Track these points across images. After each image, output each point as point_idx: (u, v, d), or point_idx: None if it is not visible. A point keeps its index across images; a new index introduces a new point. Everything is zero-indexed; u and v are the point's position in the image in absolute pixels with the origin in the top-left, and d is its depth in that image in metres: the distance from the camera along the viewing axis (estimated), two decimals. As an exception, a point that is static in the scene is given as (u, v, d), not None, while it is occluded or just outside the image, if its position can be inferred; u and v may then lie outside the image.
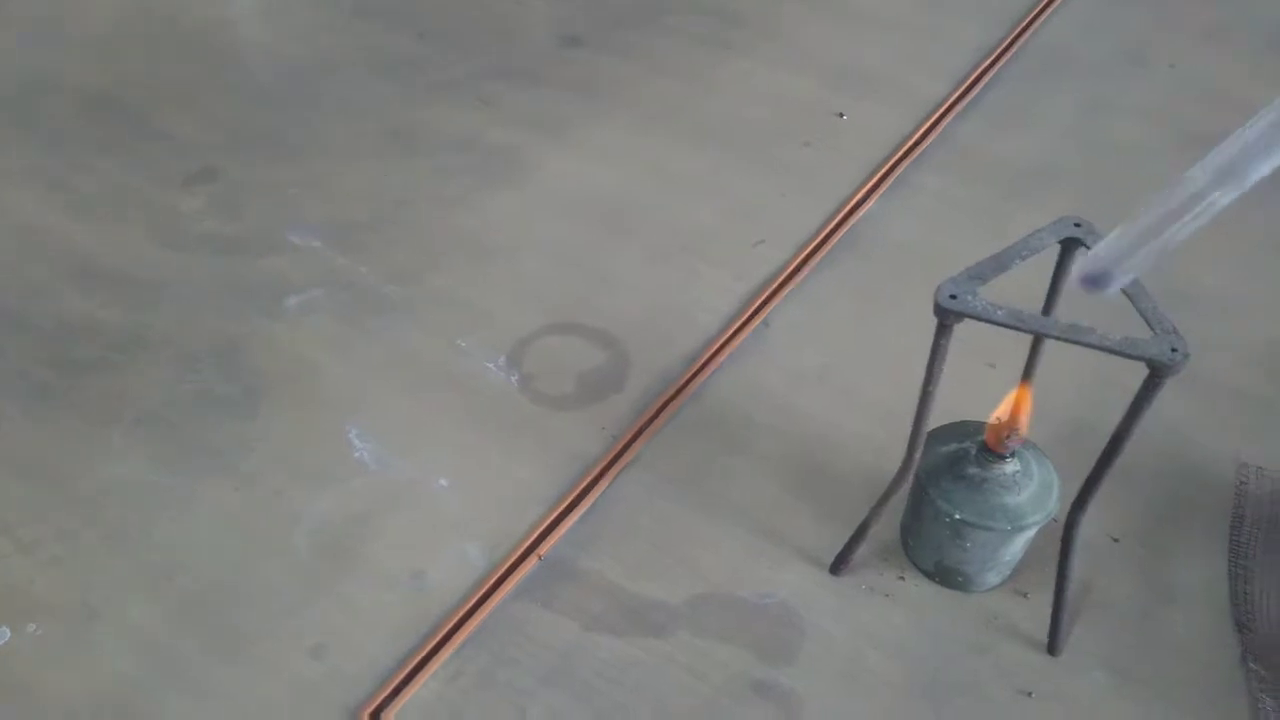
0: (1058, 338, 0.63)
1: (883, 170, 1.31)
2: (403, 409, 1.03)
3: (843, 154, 1.35)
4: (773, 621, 0.85)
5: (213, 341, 1.10)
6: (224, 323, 1.12)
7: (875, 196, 1.27)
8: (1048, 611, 0.82)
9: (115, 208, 1.28)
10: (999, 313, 0.65)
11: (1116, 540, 0.89)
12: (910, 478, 0.79)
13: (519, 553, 0.90)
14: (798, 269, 1.17)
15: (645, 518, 0.93)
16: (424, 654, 0.83)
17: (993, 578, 0.85)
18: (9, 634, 0.86)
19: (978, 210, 1.26)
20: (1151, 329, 0.63)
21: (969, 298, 0.65)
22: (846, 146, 1.36)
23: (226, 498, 0.96)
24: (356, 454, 0.99)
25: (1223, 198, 0.50)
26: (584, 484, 0.95)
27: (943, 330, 0.67)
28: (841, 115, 1.41)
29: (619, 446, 0.99)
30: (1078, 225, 0.70)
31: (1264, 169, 0.48)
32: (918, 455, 0.76)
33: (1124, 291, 0.63)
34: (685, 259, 1.20)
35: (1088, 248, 0.69)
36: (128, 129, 1.40)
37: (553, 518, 0.93)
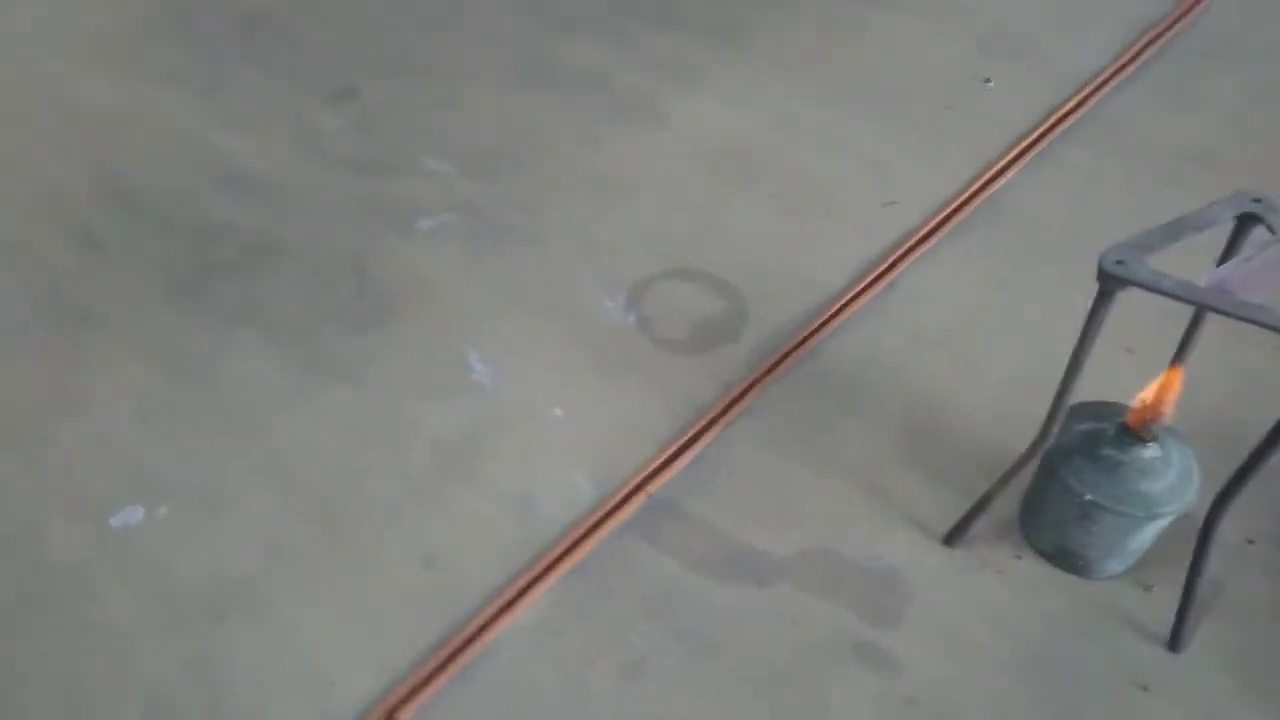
0: (1229, 313, 0.60)
1: (1027, 140, 1.25)
2: (522, 337, 1.05)
3: (986, 120, 1.29)
4: (878, 584, 0.84)
5: (345, 256, 1.13)
6: (357, 239, 1.15)
7: (1017, 167, 1.22)
8: (1171, 606, 0.79)
9: (261, 119, 1.32)
10: (1167, 282, 0.61)
11: (1251, 542, 0.85)
12: (1042, 451, 0.76)
13: (628, 489, 0.90)
14: (930, 234, 1.14)
15: (754, 468, 0.92)
16: (531, 577, 0.85)
17: (1115, 565, 0.82)
18: (142, 514, 0.91)
19: (1123, 189, 1.19)
20: (1337, 316, 0.59)
21: (1135, 265, 0.62)
22: (991, 113, 1.31)
23: (350, 404, 0.99)
24: (475, 375, 1.01)
25: None
26: (696, 429, 0.95)
27: (1104, 297, 0.64)
28: (988, 81, 1.36)
29: (733, 395, 0.98)
30: (1257, 201, 0.66)
31: None
32: (1055, 428, 0.73)
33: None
34: (812, 213, 1.18)
35: (1268, 227, 0.65)
36: (277, 44, 1.44)
37: (663, 459, 0.93)
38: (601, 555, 0.86)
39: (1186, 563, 0.77)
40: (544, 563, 0.85)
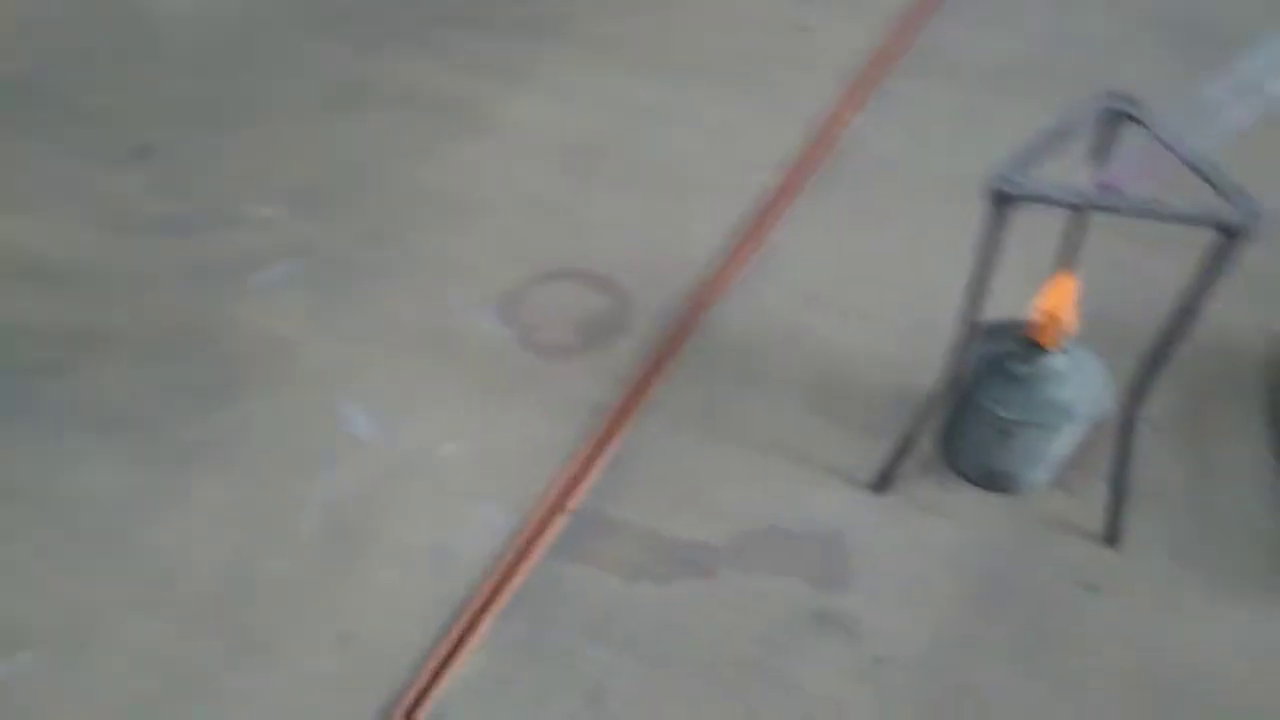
0: (1130, 213, 0.59)
1: (859, 82, 1.26)
2: (396, 376, 0.97)
3: (816, 68, 1.29)
4: (821, 547, 0.81)
5: (177, 329, 1.02)
6: (187, 307, 1.04)
7: (856, 109, 1.22)
8: (1097, 505, 0.80)
9: (52, 197, 1.17)
10: (1060, 192, 0.60)
11: (1157, 428, 0.87)
12: (955, 379, 0.75)
13: (546, 510, 0.85)
14: (790, 191, 1.12)
15: (672, 460, 0.88)
16: (462, 629, 0.78)
17: (1040, 476, 0.82)
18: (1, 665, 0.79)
19: (961, 114, 1.22)
20: (1222, 194, 0.59)
21: (1024, 181, 0.61)
22: (818, 60, 1.31)
23: (218, 492, 0.88)
24: (353, 430, 0.92)
25: (1249, 115, 0.50)
26: (604, 432, 0.90)
27: (999, 219, 0.63)
28: (808, 29, 1.36)
29: (633, 390, 0.93)
30: (1118, 98, 0.66)
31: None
32: (965, 356, 0.72)
33: (1186, 162, 0.60)
34: (671, 192, 1.14)
35: (1136, 120, 0.65)
36: (54, 112, 1.29)
37: (576, 470, 0.87)
38: (533, 587, 0.80)
39: (1100, 460, 0.79)
40: (473, 609, 0.79)
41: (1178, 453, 0.85)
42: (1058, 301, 0.73)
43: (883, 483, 0.83)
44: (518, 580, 0.80)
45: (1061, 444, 0.79)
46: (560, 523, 0.84)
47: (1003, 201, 0.62)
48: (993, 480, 0.82)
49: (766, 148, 1.18)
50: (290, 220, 1.12)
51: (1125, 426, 0.73)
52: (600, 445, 0.89)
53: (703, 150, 1.19)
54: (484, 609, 0.79)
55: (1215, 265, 0.61)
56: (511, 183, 1.17)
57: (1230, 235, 0.59)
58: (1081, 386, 0.75)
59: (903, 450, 0.81)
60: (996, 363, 0.77)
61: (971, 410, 0.78)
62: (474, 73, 1.32)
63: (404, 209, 1.14)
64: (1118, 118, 0.66)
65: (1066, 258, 0.76)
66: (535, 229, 1.11)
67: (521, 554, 0.82)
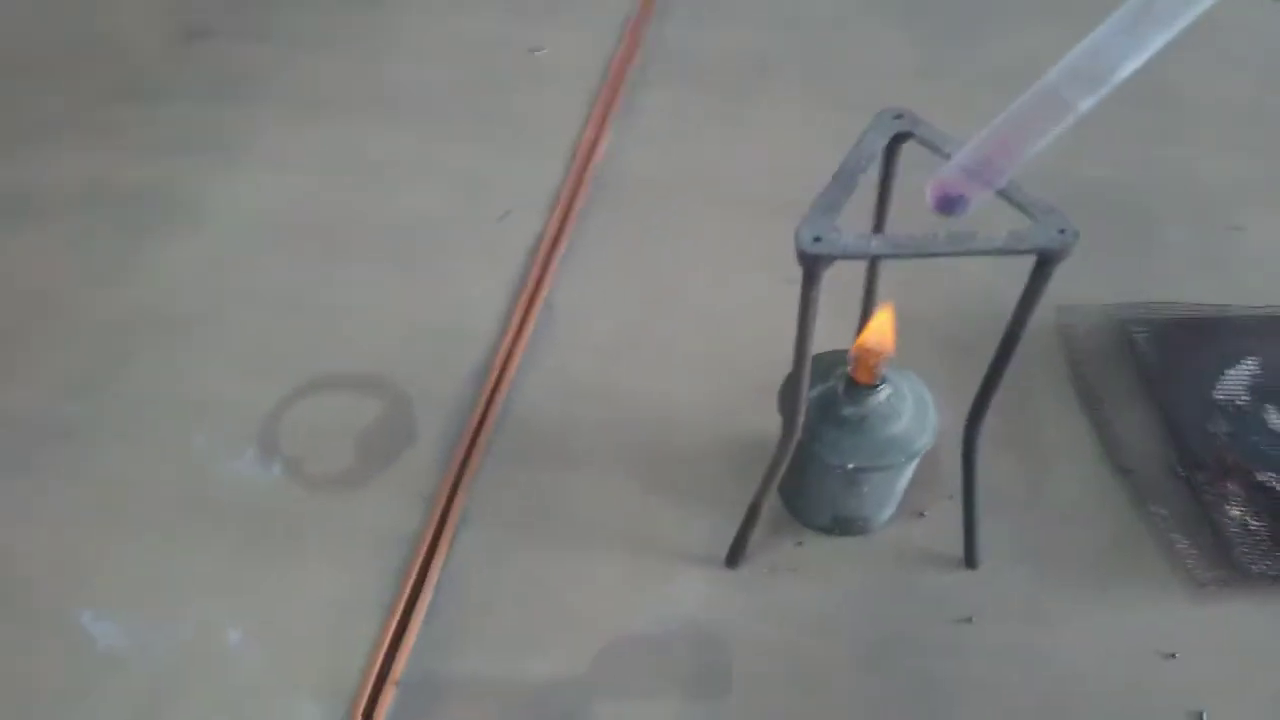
0: (946, 254, 0.54)
1: (603, 98, 1.18)
2: (143, 560, 0.79)
3: (557, 92, 1.20)
4: (689, 647, 0.73)
5: None
6: None
7: (607, 130, 1.14)
8: (947, 523, 0.78)
9: None
10: (874, 244, 0.54)
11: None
12: (793, 445, 0.69)
13: (369, 688, 0.71)
14: (561, 234, 1.03)
15: (504, 582, 0.77)
16: None
17: (890, 510, 0.79)
18: None
19: (710, 116, 1.17)
20: (1031, 216, 0.55)
21: (833, 235, 0.55)
22: (557, 83, 1.21)
23: (-68, 776, 0.68)
24: (101, 643, 0.74)
25: (1084, 102, 0.48)
26: (415, 570, 0.77)
27: (811, 280, 0.56)
28: (539, 50, 1.26)
29: (440, 508, 0.81)
30: (898, 118, 0.61)
31: (1126, 69, 0.46)
32: (800, 421, 0.66)
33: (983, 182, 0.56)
34: (427, 260, 1.01)
35: (919, 140, 0.60)
36: None
37: (394, 626, 0.74)
38: (375, 789, 0.67)
39: (938, 473, 0.78)
40: (307, 842, 0.65)
41: (1008, 453, 0.84)
42: (872, 337, 0.69)
43: (735, 556, 0.77)
44: (353, 786, 0.67)
45: (907, 477, 0.75)
46: (389, 698, 0.71)
47: (813, 264, 0.55)
48: (847, 526, 0.78)
49: (525, 190, 1.08)
50: (-42, 387, 0.90)
51: (967, 454, 0.70)
52: (418, 587, 0.77)
53: (454, 204, 1.07)
54: (320, 837, 0.65)
55: (1035, 286, 0.58)
56: (236, 281, 0.99)
57: (1046, 259, 0.56)
58: (914, 417, 0.72)
59: (750, 521, 0.74)
60: (826, 408, 0.71)
61: (811, 462, 0.72)
62: (164, 154, 1.12)
63: (107, 342, 0.94)
64: (899, 139, 0.62)
65: (871, 289, 0.72)
66: (277, 334, 0.94)
67: (350, 751, 0.68)
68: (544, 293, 0.97)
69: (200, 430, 0.87)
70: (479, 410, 0.88)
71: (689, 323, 0.95)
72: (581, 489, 0.82)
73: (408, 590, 0.76)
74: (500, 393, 0.89)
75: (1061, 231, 0.55)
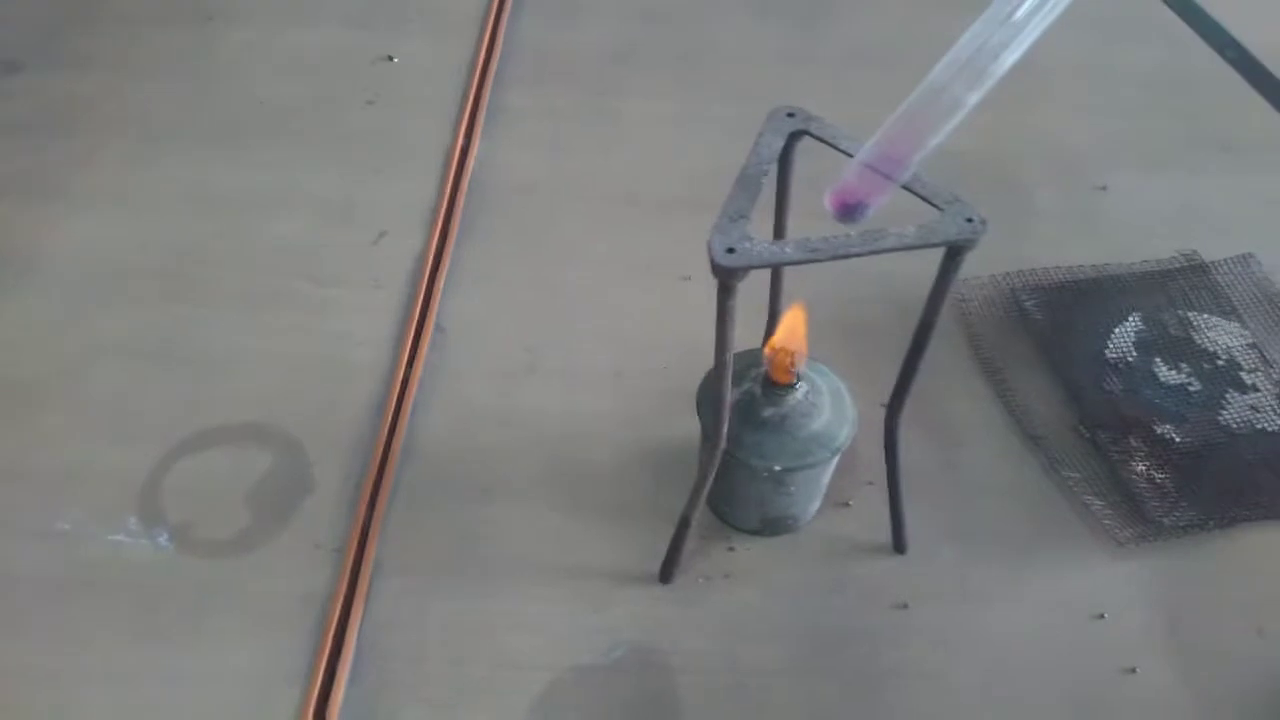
0: (861, 254, 0.53)
1: (468, 104, 1.13)
2: (24, 661, 0.71)
3: (416, 101, 1.14)
4: (633, 675, 0.71)
5: None
6: None
7: (476, 136, 1.10)
8: (873, 509, 0.78)
9: None
10: (789, 250, 0.53)
11: (885, 405, 0.86)
12: (719, 455, 0.67)
13: (297, 769, 0.66)
14: (441, 253, 0.98)
15: (428, 633, 0.73)
16: None
17: (816, 505, 0.78)
18: None
19: (586, 114, 1.13)
20: (937, 208, 0.55)
21: (746, 245, 0.53)
22: (415, 90, 1.15)
23: None
24: (-18, 764, 0.66)
25: (971, 96, 0.50)
26: (331, 631, 0.72)
27: (726, 291, 0.55)
28: (391, 58, 1.20)
29: (350, 561, 0.76)
30: (791, 116, 0.60)
31: (1008, 60, 0.49)
32: (725, 430, 0.65)
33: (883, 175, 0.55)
34: (297, 290, 0.95)
35: (814, 136, 0.59)
36: None
37: (316, 694, 0.69)
38: None
39: (853, 463, 0.78)
40: None
41: (921, 433, 0.84)
42: (784, 336, 0.68)
43: (670, 569, 0.75)
44: None
45: (830, 471, 0.75)
46: (321, 777, 0.66)
47: (728, 276, 0.54)
48: (776, 526, 0.77)
49: (398, 208, 1.02)
50: None
51: (889, 439, 0.70)
52: (335, 649, 0.71)
53: (321, 232, 1.00)
54: None
55: (946, 276, 0.58)
56: (86, 337, 0.90)
57: (957, 250, 0.56)
58: (833, 411, 0.71)
59: (680, 535, 0.72)
60: (745, 411, 0.70)
61: (737, 468, 0.71)
62: (-15, 200, 1.01)
63: (-55, 421, 0.84)
64: (794, 137, 0.60)
65: (778, 285, 0.71)
66: (141, 391, 0.86)
67: (286, 840, 0.63)
68: (432, 315, 0.92)
69: (71, 505, 0.79)
70: (379, 448, 0.83)
71: (587, 331, 0.92)
72: (501, 521, 0.79)
73: (326, 654, 0.71)
74: (400, 427, 0.84)
75: (969, 220, 0.55)
